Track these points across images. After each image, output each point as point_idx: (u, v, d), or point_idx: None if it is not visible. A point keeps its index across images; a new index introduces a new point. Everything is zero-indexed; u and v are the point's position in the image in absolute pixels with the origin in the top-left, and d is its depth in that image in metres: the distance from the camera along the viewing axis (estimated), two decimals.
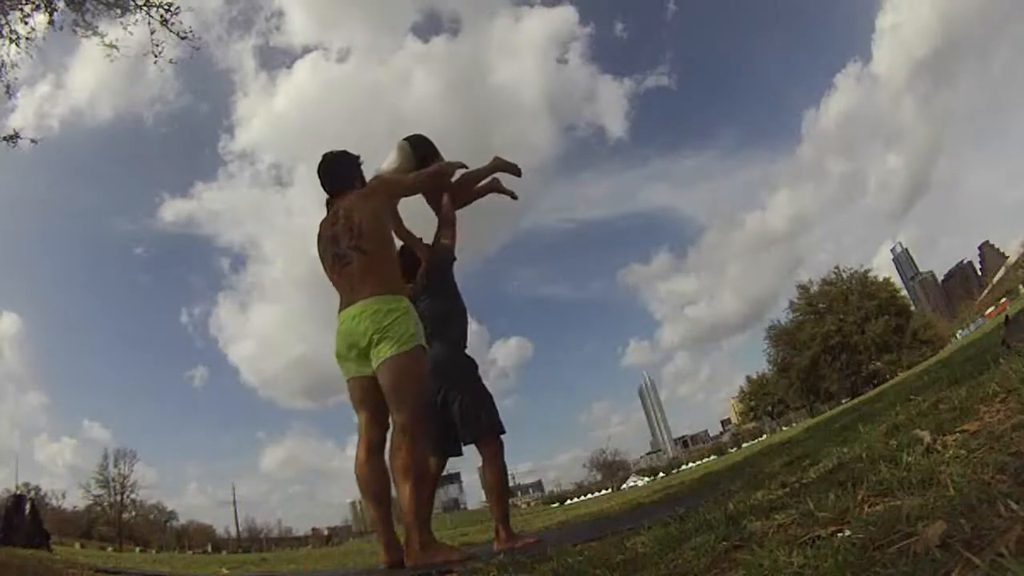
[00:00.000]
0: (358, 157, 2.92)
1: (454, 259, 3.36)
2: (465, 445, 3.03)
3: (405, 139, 3.44)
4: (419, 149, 3.36)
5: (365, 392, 2.56)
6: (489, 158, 3.78)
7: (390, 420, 2.51)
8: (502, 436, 2.99)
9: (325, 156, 2.86)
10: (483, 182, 3.71)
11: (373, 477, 2.53)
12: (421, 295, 3.25)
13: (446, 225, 3.41)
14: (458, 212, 3.53)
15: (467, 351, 3.19)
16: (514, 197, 3.79)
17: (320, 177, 2.83)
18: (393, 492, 2.51)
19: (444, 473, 3.27)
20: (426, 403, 2.51)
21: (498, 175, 3.78)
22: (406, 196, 3.02)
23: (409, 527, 2.37)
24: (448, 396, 2.97)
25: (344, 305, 2.57)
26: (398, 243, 3.42)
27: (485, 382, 3.13)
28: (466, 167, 3.42)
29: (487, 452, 2.93)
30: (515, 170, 3.78)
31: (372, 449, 2.56)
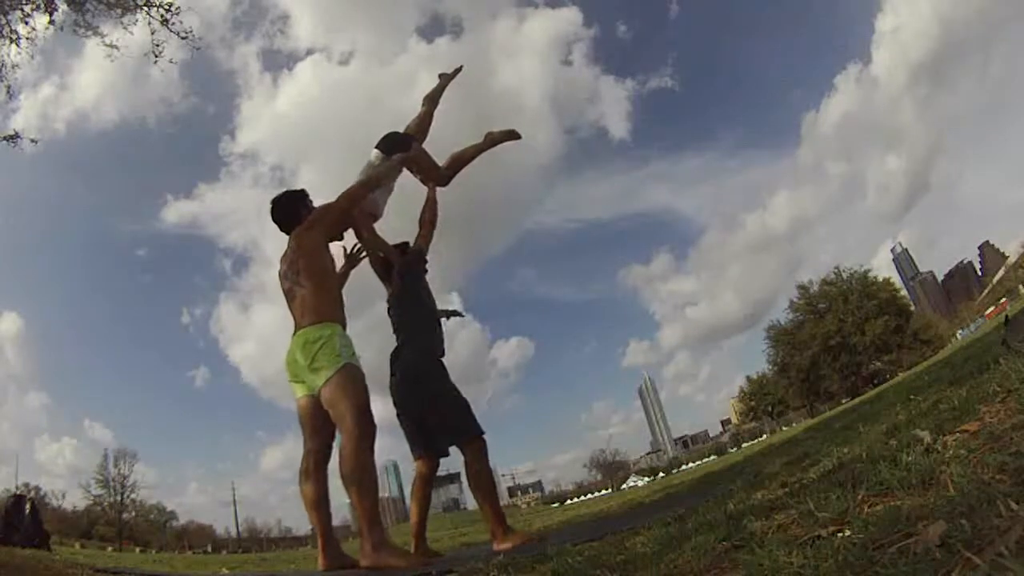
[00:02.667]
0: (302, 191, 3.14)
1: (425, 260, 3.36)
2: (447, 447, 3.02)
3: (377, 143, 3.48)
4: (392, 152, 3.42)
5: (305, 410, 2.79)
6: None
7: (337, 433, 2.68)
8: (483, 436, 2.95)
9: (272, 201, 3.07)
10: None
11: (309, 487, 2.76)
12: (395, 299, 3.24)
13: (424, 224, 3.41)
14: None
15: (443, 354, 3.17)
16: (517, 136, 3.87)
17: (273, 221, 3.05)
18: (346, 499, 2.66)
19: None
20: (364, 410, 2.61)
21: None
22: (342, 219, 3.12)
23: (361, 530, 2.49)
24: (423, 401, 2.97)
25: (294, 333, 2.80)
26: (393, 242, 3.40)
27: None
28: (403, 163, 3.45)
29: (469, 454, 2.90)
30: (514, 136, 3.85)
31: (312, 462, 2.79)
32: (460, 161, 3.72)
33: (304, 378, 2.73)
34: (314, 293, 2.80)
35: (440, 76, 4.10)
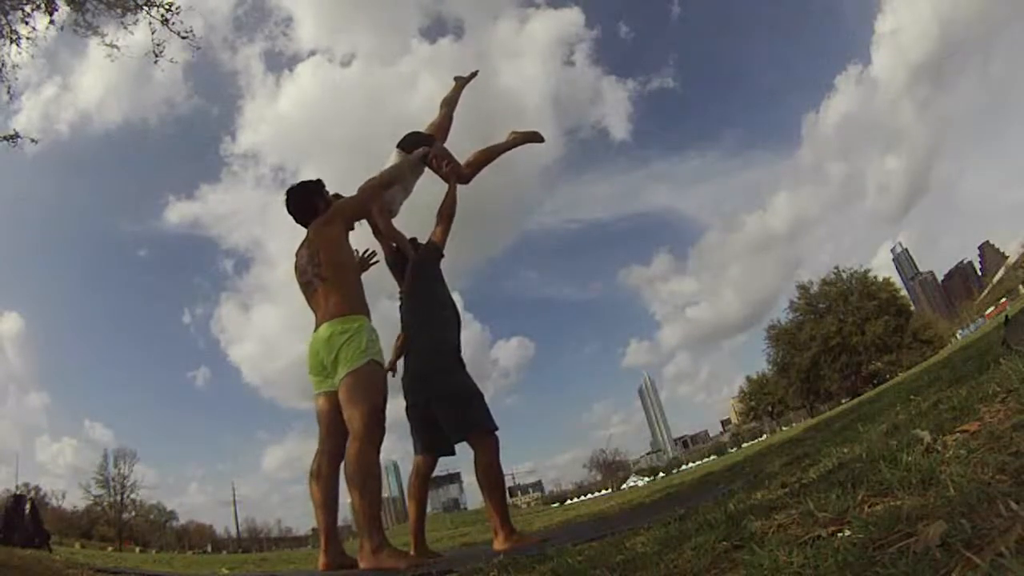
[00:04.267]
0: (319, 182, 3.08)
1: (441, 256, 3.35)
2: (456, 443, 2.99)
3: (399, 143, 3.49)
4: (413, 150, 3.43)
5: (323, 408, 2.78)
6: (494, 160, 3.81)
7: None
8: (496, 433, 2.93)
9: (287, 192, 3.04)
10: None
11: (318, 487, 2.74)
12: (408, 295, 3.23)
13: (441, 220, 3.41)
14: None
15: (459, 349, 3.14)
16: (540, 139, 3.91)
17: (288, 212, 3.01)
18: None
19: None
20: (376, 413, 2.59)
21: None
22: (361, 214, 3.11)
23: (360, 531, 2.48)
24: (434, 396, 2.94)
25: (315, 327, 2.76)
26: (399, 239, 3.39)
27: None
28: (425, 160, 3.43)
29: (479, 449, 2.86)
30: (537, 138, 3.89)
31: (324, 461, 2.77)
32: (482, 159, 3.73)
33: (326, 372, 2.70)
34: (339, 286, 2.76)
35: (456, 79, 4.11)
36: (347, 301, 2.73)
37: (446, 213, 3.46)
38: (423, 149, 3.38)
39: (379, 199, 3.16)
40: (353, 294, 2.79)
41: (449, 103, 3.94)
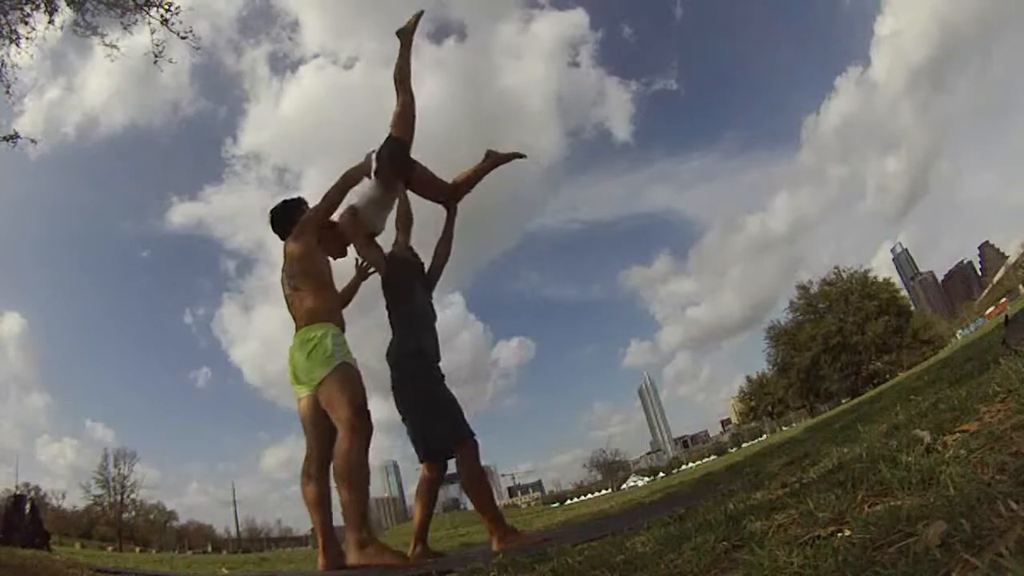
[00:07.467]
0: (299, 199, 3.18)
1: (411, 262, 3.33)
2: (445, 450, 2.99)
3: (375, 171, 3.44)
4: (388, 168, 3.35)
5: (307, 411, 2.83)
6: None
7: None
8: (471, 439, 2.90)
9: (270, 211, 3.12)
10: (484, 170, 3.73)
11: (311, 488, 2.80)
12: (391, 308, 3.21)
13: (401, 227, 3.39)
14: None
15: (433, 356, 3.10)
16: (522, 156, 3.81)
17: (273, 231, 3.10)
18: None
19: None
20: (361, 410, 2.63)
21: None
22: (323, 221, 3.09)
23: (347, 528, 2.52)
24: (409, 406, 2.98)
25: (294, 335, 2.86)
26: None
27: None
28: (366, 172, 3.25)
29: (458, 457, 2.88)
30: (518, 156, 3.79)
31: (314, 462, 2.83)
32: (465, 185, 3.65)
33: (303, 379, 2.78)
34: (308, 295, 2.87)
35: (399, 34, 3.47)
36: (313, 310, 2.84)
37: (443, 249, 3.50)
38: (368, 159, 3.26)
39: (336, 205, 3.11)
40: (320, 303, 2.88)
41: (402, 77, 3.43)
